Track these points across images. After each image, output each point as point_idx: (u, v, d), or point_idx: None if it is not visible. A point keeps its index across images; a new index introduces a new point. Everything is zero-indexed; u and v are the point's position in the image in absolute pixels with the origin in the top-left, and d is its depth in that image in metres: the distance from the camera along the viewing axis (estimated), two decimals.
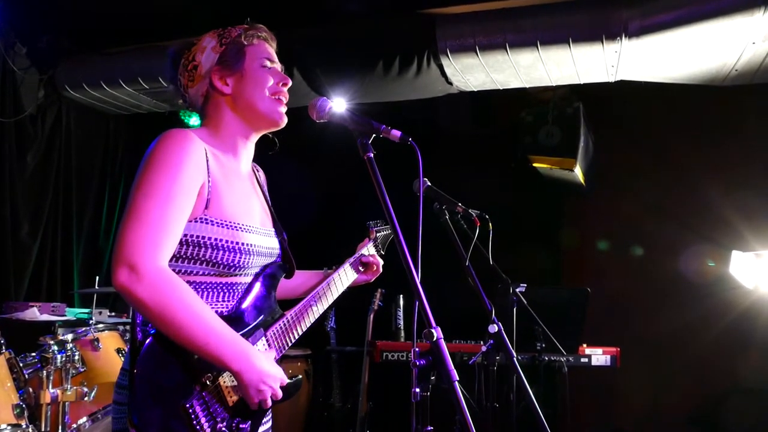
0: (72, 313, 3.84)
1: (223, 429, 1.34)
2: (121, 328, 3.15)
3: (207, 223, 1.37)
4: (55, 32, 4.21)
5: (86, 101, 4.49)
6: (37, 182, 4.34)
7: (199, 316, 1.28)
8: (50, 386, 2.58)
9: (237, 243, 1.40)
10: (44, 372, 2.58)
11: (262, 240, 1.50)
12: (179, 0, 3.62)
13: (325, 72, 3.75)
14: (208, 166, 1.39)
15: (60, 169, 4.51)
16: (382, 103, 4.05)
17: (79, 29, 4.17)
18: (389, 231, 2.01)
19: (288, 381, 1.43)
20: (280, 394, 1.38)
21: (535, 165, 3.99)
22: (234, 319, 1.42)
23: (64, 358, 2.63)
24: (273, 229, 1.59)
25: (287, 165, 3.73)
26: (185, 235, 1.35)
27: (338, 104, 1.52)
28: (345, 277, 1.77)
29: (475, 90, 3.91)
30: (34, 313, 3.55)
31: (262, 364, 1.34)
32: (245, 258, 1.42)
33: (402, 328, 4.12)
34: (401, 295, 4.15)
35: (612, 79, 3.63)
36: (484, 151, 4.55)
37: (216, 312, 1.37)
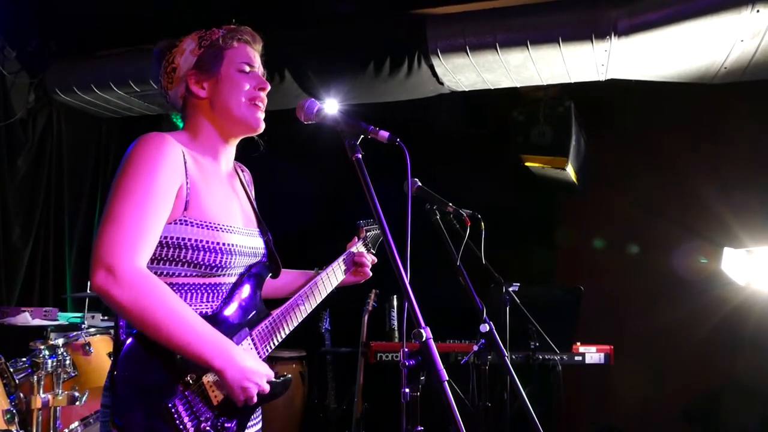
0: (64, 318, 3.81)
1: (208, 428, 1.33)
2: (113, 332, 3.13)
3: (186, 224, 1.37)
4: (45, 35, 4.18)
5: (77, 105, 4.46)
6: (28, 186, 4.31)
7: (179, 316, 1.27)
8: (41, 391, 2.57)
9: (218, 243, 1.40)
10: (35, 377, 2.57)
11: (244, 240, 1.49)
12: (169, 2, 3.61)
13: (316, 73, 3.74)
14: (186, 167, 1.39)
15: (51, 173, 4.48)
16: (373, 104, 4.04)
17: (68, 32, 4.14)
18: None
19: (275, 380, 1.42)
20: (266, 388, 1.37)
21: (527, 164, 4.00)
22: (218, 318, 1.41)
23: (55, 363, 2.62)
24: (257, 230, 1.58)
25: (279, 166, 3.73)
26: (165, 237, 1.35)
27: (329, 106, 1.51)
28: (333, 276, 1.75)
29: (467, 90, 3.91)
30: (26, 318, 3.53)
31: (245, 361, 1.34)
32: (227, 258, 1.41)
33: (396, 328, 4.12)
34: (395, 296, 4.15)
35: (602, 78, 3.64)
36: (477, 150, 4.56)
37: (200, 313, 1.36)
